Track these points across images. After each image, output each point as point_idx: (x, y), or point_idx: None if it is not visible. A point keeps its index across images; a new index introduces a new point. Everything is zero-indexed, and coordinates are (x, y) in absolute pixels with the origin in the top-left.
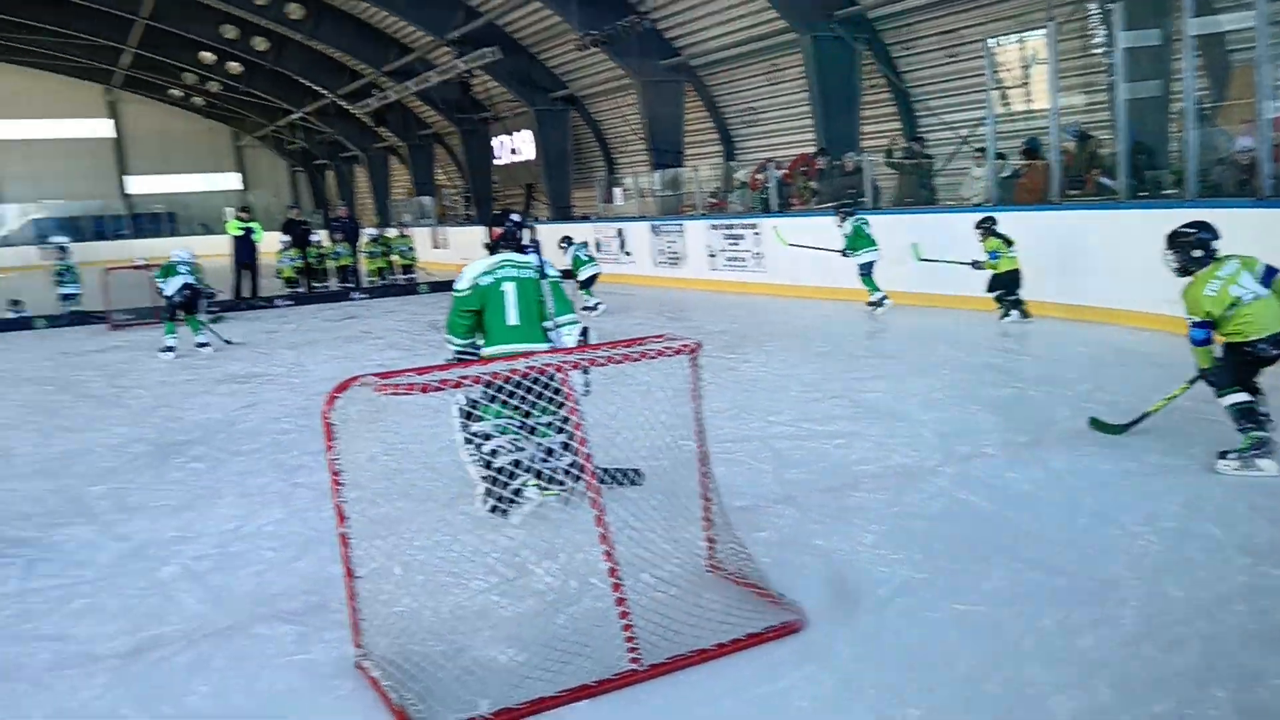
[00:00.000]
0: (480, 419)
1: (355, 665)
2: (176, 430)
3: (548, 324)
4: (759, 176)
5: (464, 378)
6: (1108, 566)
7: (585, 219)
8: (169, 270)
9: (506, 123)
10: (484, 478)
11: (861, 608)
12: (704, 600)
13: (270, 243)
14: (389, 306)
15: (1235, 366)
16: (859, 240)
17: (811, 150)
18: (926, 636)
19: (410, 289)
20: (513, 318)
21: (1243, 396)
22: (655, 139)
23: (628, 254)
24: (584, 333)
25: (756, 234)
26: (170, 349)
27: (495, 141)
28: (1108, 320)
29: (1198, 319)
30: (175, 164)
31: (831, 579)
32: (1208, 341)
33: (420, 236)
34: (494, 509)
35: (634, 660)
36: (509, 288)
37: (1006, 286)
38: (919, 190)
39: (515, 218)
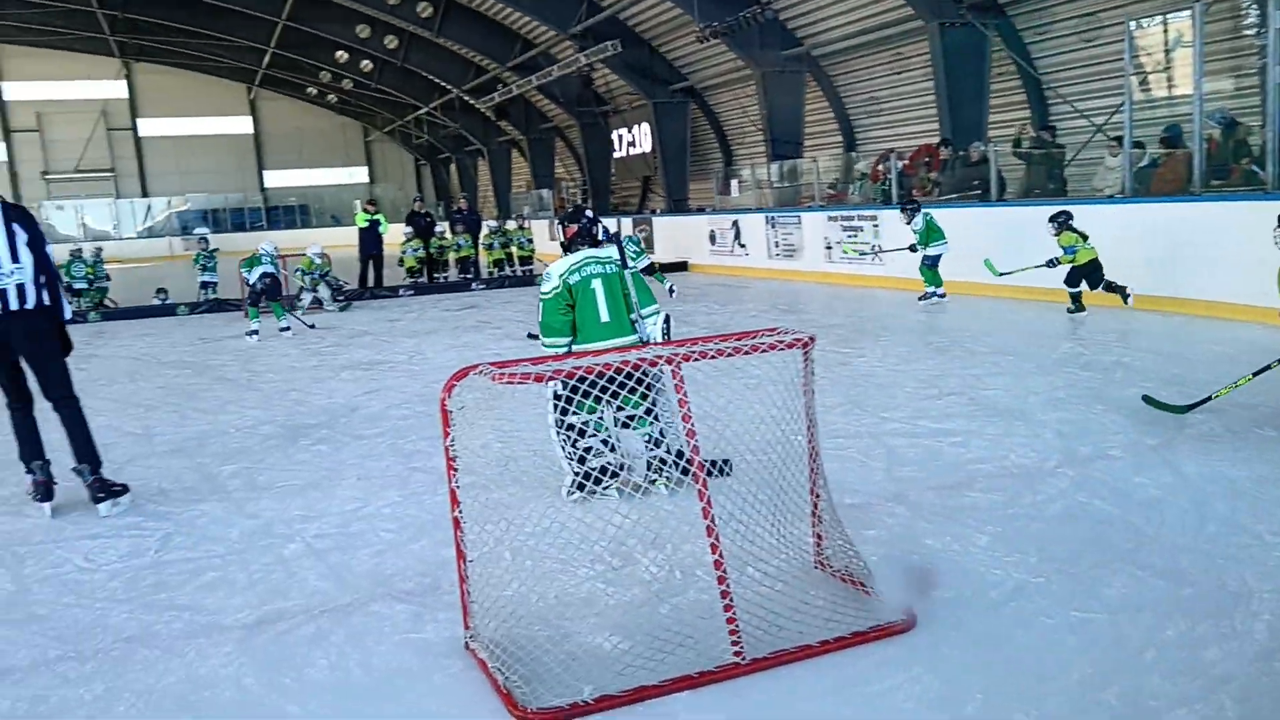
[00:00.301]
0: (575, 413)
1: (465, 646)
2: (303, 414)
3: (634, 316)
4: (880, 168)
5: (576, 368)
6: (1238, 577)
7: (701, 211)
8: (253, 261)
9: (625, 116)
10: (574, 470)
11: (972, 610)
12: (809, 596)
13: (394, 234)
14: (506, 297)
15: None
16: (931, 234)
17: (935, 141)
18: (1040, 643)
19: (528, 280)
20: (604, 314)
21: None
22: (774, 130)
23: (743, 246)
24: (666, 320)
25: (875, 226)
26: (254, 333)
27: (614, 135)
28: (1248, 318)
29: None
30: (309, 158)
31: (942, 579)
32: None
33: (539, 229)
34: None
35: (737, 653)
36: (597, 284)
37: (1087, 278)
38: (1048, 181)
39: (589, 213)
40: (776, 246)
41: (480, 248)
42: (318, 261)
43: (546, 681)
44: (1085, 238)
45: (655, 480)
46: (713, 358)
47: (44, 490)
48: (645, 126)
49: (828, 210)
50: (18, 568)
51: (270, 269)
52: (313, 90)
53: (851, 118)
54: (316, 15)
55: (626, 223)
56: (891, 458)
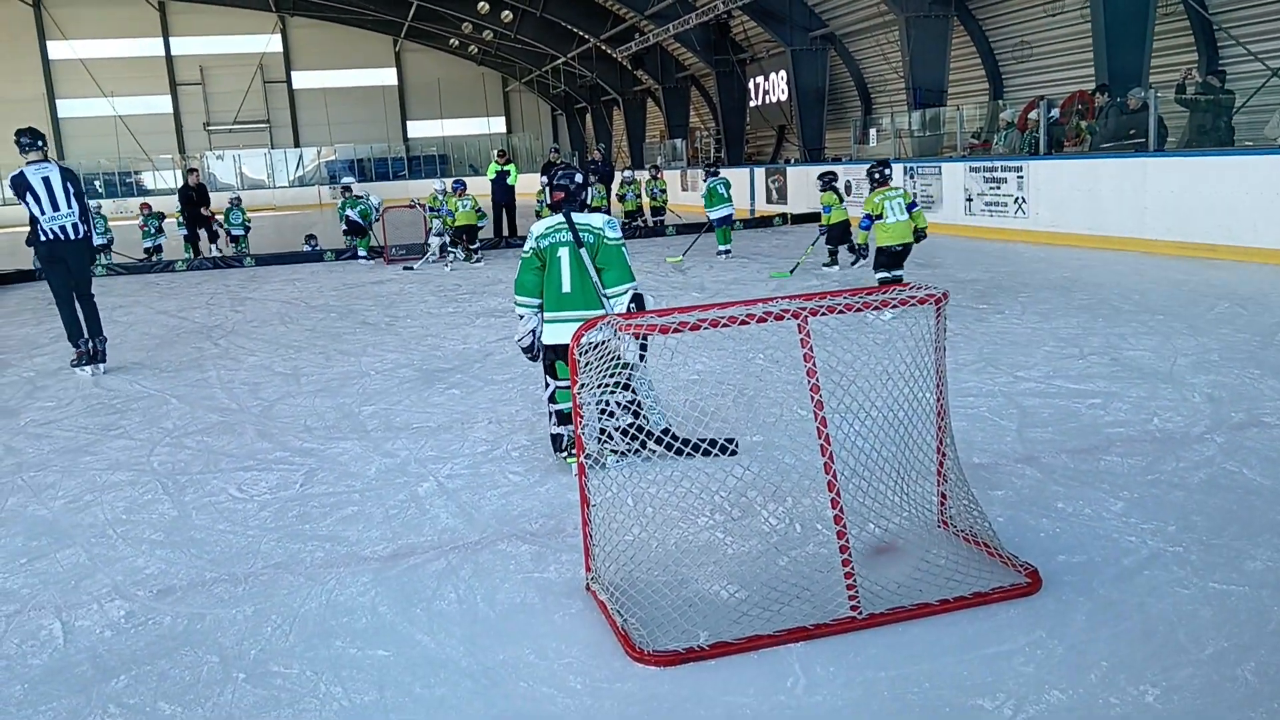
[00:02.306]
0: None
1: (586, 587)
2: (439, 358)
3: (603, 292)
4: (1029, 117)
5: (701, 320)
6: None
7: (837, 160)
8: (353, 203)
9: (762, 63)
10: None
11: (1102, 577)
12: (931, 555)
13: (531, 183)
14: (636, 248)
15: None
16: (713, 198)
17: (1090, 87)
18: (1173, 614)
19: (658, 230)
20: (566, 284)
21: (884, 274)
22: (916, 77)
23: None
24: (637, 300)
25: (1020, 177)
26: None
27: (750, 83)
28: None
29: (866, 212)
30: (449, 109)
31: (1072, 544)
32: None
33: (671, 179)
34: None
35: (854, 608)
36: (563, 253)
37: (840, 238)
38: (1213, 131)
39: (578, 177)
40: (914, 198)
41: (613, 198)
42: (440, 196)
43: (663, 626)
44: (841, 199)
45: (604, 449)
46: (841, 313)
47: (85, 358)
48: (782, 74)
49: (969, 161)
50: (179, 495)
51: (351, 214)
52: (454, 42)
53: (1000, 63)
54: None
55: (760, 172)
56: (1024, 418)
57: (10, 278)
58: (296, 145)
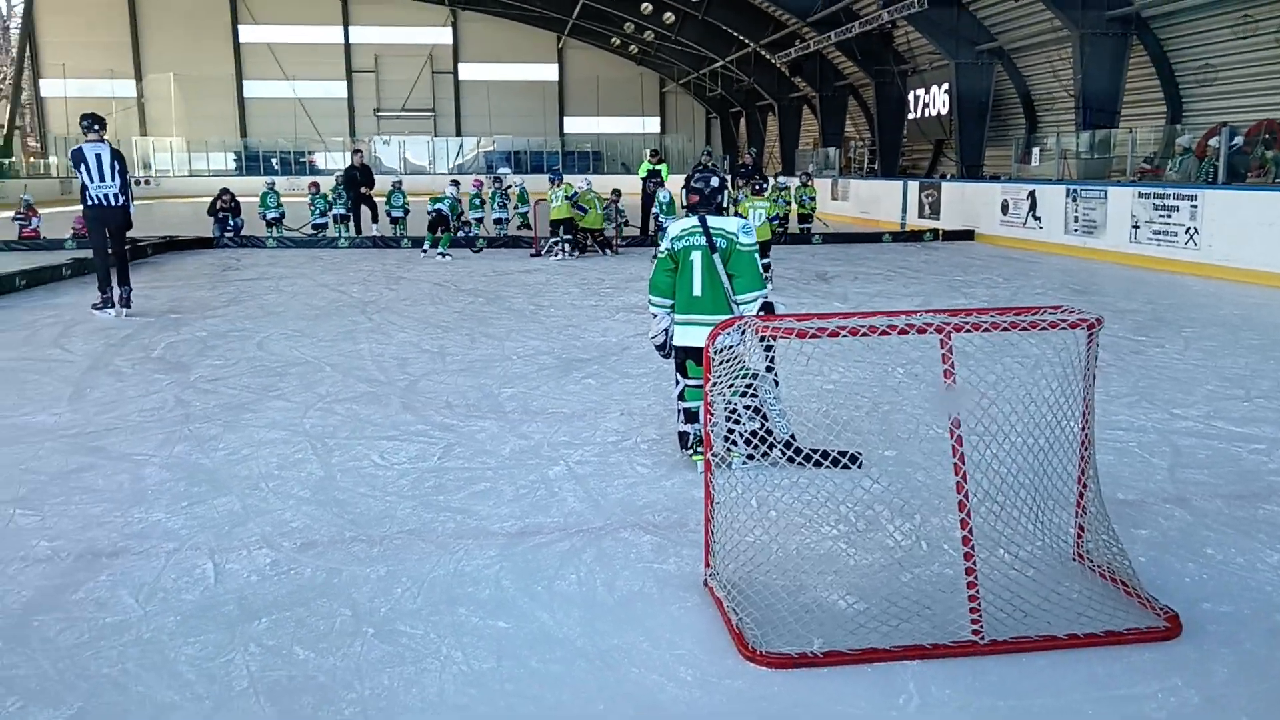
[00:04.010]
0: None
1: (704, 583)
2: (578, 349)
3: (734, 298)
4: (1209, 144)
5: (840, 328)
6: None
7: (995, 179)
8: (436, 199)
9: (924, 75)
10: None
11: (1250, 630)
12: (1063, 588)
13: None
14: (781, 255)
15: None
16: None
17: (1279, 115)
18: None
19: (805, 239)
20: (697, 288)
21: None
22: (1087, 96)
23: (1037, 219)
24: (767, 308)
25: (1194, 206)
26: (428, 251)
27: (910, 94)
28: None
29: None
30: (606, 107)
31: (1219, 592)
32: None
33: (822, 187)
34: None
35: (976, 632)
36: (696, 257)
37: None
38: None
39: (713, 180)
40: (1075, 221)
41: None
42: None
43: (778, 628)
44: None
45: (731, 451)
46: (986, 330)
47: (110, 303)
48: (944, 87)
49: (1139, 186)
50: (327, 457)
51: (441, 206)
52: (616, 41)
53: (1180, 85)
54: None
55: (913, 186)
56: (1178, 457)
57: (190, 244)
58: (458, 134)
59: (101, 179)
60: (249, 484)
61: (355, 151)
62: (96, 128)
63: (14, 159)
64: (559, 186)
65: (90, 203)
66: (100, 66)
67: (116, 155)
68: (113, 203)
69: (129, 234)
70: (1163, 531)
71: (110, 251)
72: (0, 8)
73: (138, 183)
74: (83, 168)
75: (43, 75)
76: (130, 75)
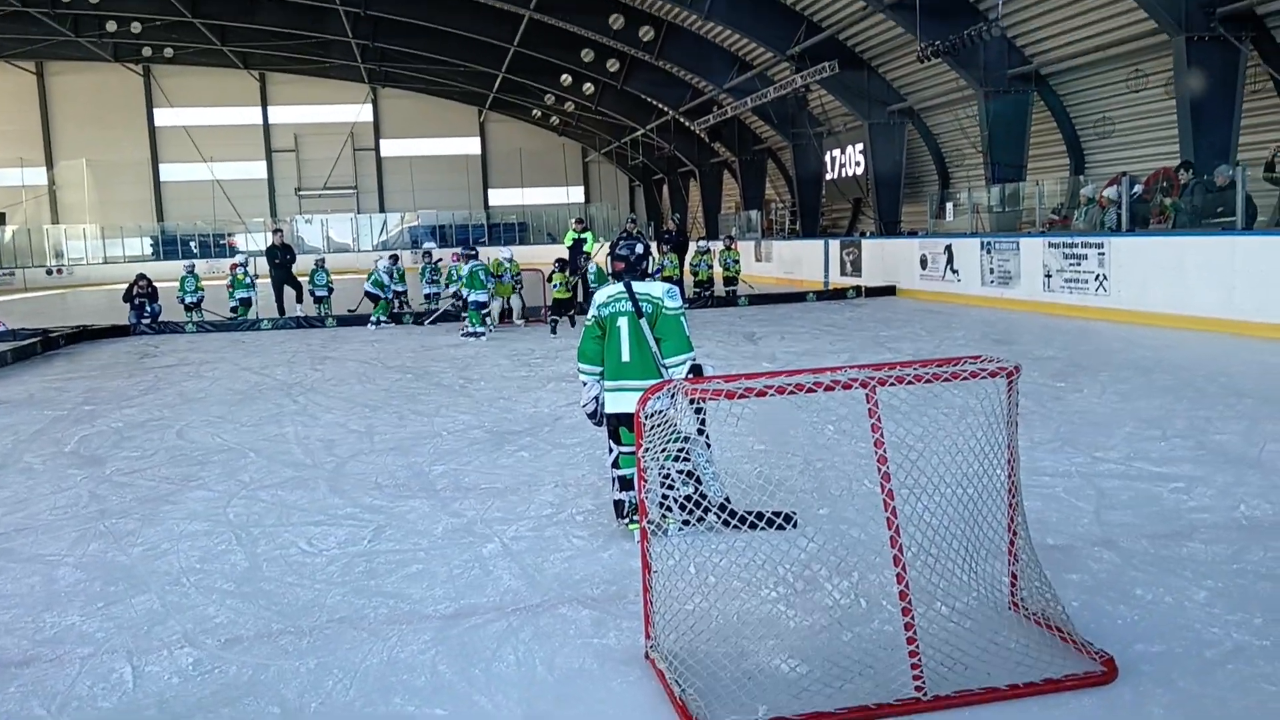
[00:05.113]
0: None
1: (645, 655)
2: (509, 421)
3: (661, 362)
4: (1105, 193)
5: (768, 387)
6: None
7: (913, 235)
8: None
9: (839, 137)
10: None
11: (1183, 669)
12: (1000, 638)
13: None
14: (708, 318)
15: None
16: (475, 281)
17: (1174, 164)
18: (1259, 710)
19: (731, 301)
20: (625, 354)
21: None
22: (995, 152)
23: (955, 272)
24: (695, 370)
25: (1101, 254)
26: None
27: (827, 156)
28: None
29: None
30: (530, 178)
31: (1150, 633)
32: None
33: (745, 250)
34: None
35: (918, 688)
36: (623, 323)
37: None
38: None
39: (638, 247)
40: (991, 273)
41: (686, 268)
42: (506, 264)
43: (722, 698)
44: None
45: (666, 518)
46: (910, 383)
47: None
48: (859, 147)
49: (1049, 236)
50: (252, 547)
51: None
52: (537, 113)
53: (1080, 138)
54: (544, 40)
55: (834, 245)
56: (1102, 500)
57: (104, 332)
58: (382, 210)
59: None
60: (169, 580)
61: (275, 231)
62: None
63: None
64: (468, 261)
65: None
66: (10, 155)
67: None
68: None
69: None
70: (1093, 574)
71: None
72: None
73: (49, 272)
74: None
75: None
76: (41, 163)
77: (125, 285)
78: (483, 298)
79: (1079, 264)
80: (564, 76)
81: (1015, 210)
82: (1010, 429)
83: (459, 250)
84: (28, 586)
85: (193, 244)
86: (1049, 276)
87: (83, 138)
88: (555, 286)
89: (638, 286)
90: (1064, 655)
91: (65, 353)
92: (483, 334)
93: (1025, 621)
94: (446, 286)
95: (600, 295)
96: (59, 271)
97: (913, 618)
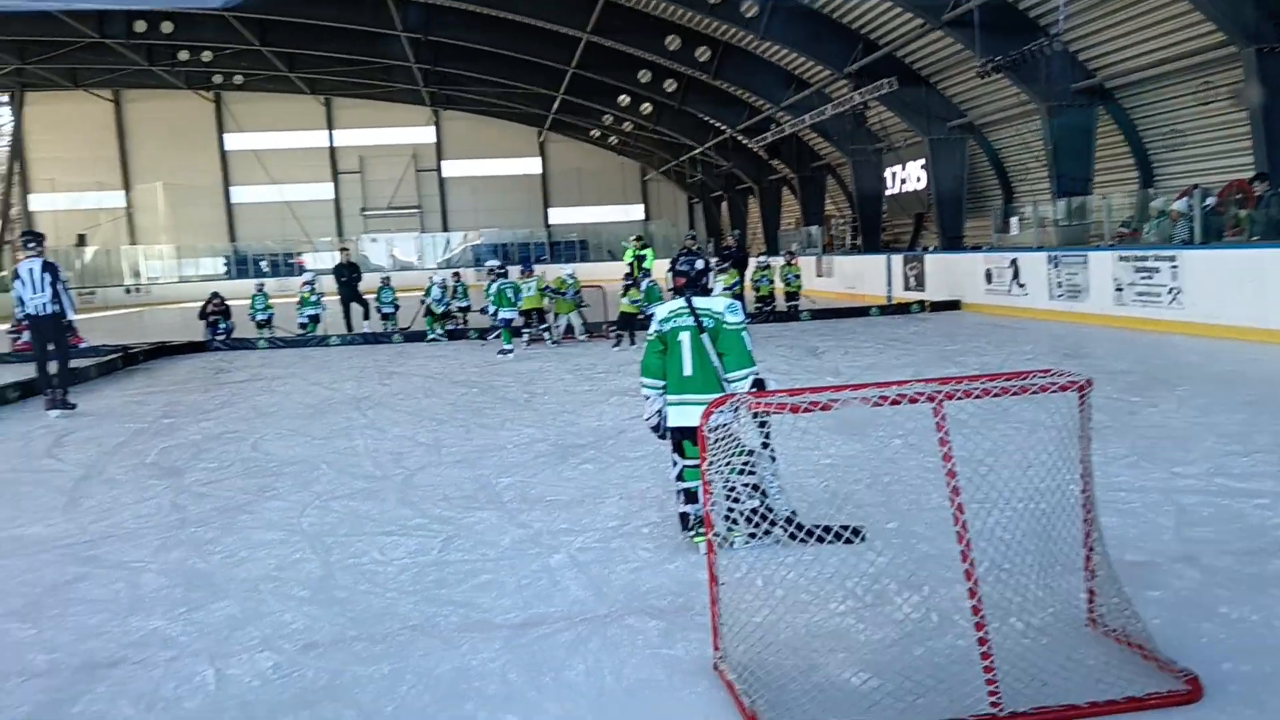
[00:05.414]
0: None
1: (713, 666)
2: (574, 434)
3: (723, 376)
4: (1175, 206)
5: (833, 401)
6: None
7: (976, 249)
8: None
9: (899, 153)
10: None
11: (1272, 688)
12: (1078, 654)
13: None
14: (770, 332)
15: None
16: (502, 299)
17: (1248, 175)
18: None
19: (793, 316)
20: (687, 368)
21: None
22: (1060, 165)
23: (1021, 286)
24: (758, 385)
25: (1174, 267)
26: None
27: (887, 171)
28: None
29: None
30: (589, 196)
31: (1237, 651)
32: None
33: (806, 265)
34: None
35: (994, 704)
36: (684, 338)
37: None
38: None
39: (698, 263)
40: (1059, 287)
41: (748, 283)
42: (568, 281)
43: (791, 710)
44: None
45: (732, 531)
46: (978, 397)
47: (51, 403)
48: (920, 163)
49: (1119, 249)
50: (326, 556)
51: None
52: (595, 132)
53: (1149, 151)
54: (602, 62)
55: (897, 259)
56: (1182, 516)
57: (181, 348)
58: (445, 230)
59: (35, 291)
60: (247, 586)
61: (342, 249)
62: (32, 244)
63: (4, 272)
64: (530, 277)
65: (25, 314)
66: (89, 180)
67: (48, 267)
68: (43, 312)
69: (76, 341)
70: (1174, 591)
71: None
72: None
73: (126, 291)
74: (17, 283)
75: (31, 190)
76: (119, 186)
77: (200, 303)
78: (509, 315)
79: (1151, 277)
80: (622, 97)
81: (1082, 224)
82: (1084, 444)
83: (490, 266)
84: (114, 592)
85: (263, 263)
86: (1120, 290)
87: (158, 162)
88: (625, 301)
89: (698, 302)
90: (1145, 673)
91: (145, 368)
92: (510, 351)
93: (1103, 638)
94: (451, 301)
95: (662, 310)
96: (136, 290)
97: (986, 633)
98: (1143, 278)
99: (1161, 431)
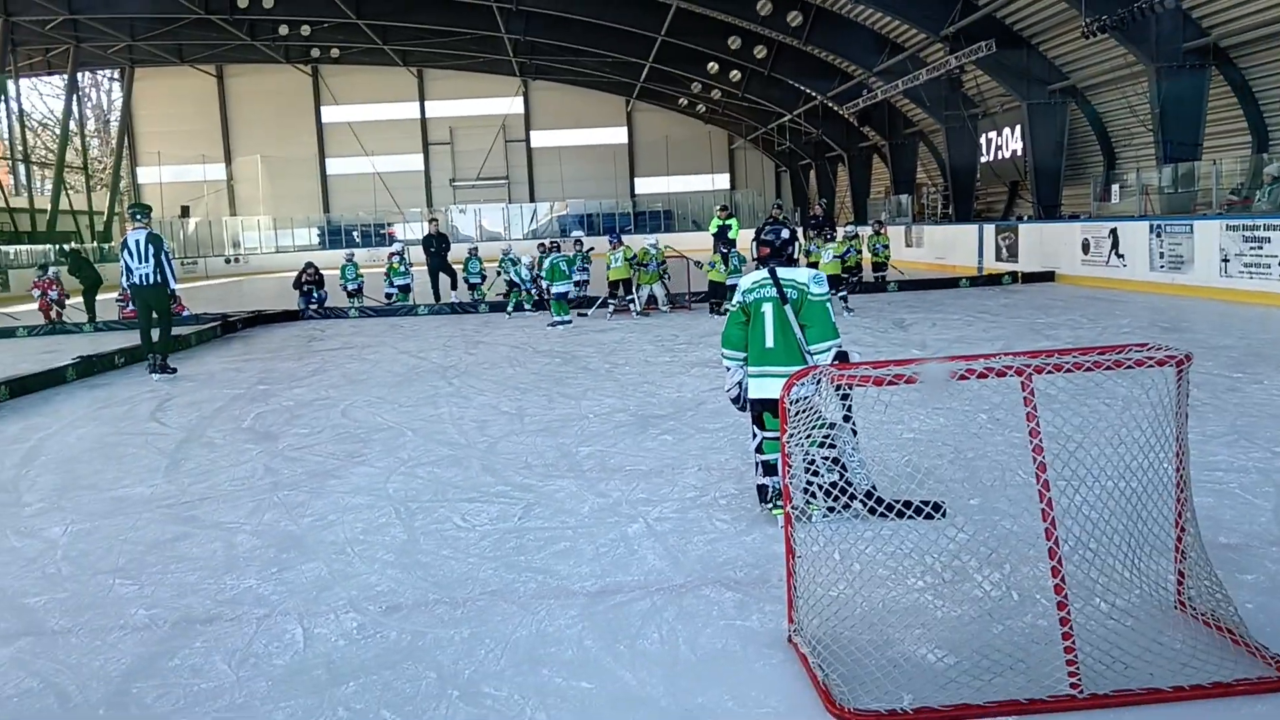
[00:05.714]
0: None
1: (788, 639)
2: (653, 405)
3: (806, 349)
4: None
5: (917, 374)
6: None
7: (1074, 218)
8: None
9: (995, 118)
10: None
11: None
12: (1165, 638)
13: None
14: (856, 303)
15: None
16: (556, 273)
17: None
18: None
19: (880, 286)
20: (769, 340)
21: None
22: (1167, 130)
23: (1120, 256)
24: (841, 357)
25: None
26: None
27: (981, 138)
28: None
29: None
30: (675, 166)
31: None
32: None
33: (895, 235)
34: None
35: (1074, 685)
36: (767, 309)
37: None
38: None
39: (784, 233)
40: (1161, 258)
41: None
42: (653, 251)
43: (866, 685)
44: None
45: (810, 504)
46: (1069, 371)
47: (151, 368)
48: (1017, 128)
49: (1227, 218)
50: (410, 521)
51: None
52: (683, 101)
53: (1265, 114)
54: (691, 29)
55: (989, 229)
56: None
57: (277, 317)
58: (532, 200)
59: (140, 261)
60: (335, 549)
61: (431, 220)
62: (140, 216)
63: (114, 243)
64: (618, 249)
65: (130, 283)
66: (193, 152)
67: (152, 239)
68: (147, 281)
69: (173, 308)
70: (1270, 576)
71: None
72: (101, 103)
73: (227, 261)
74: (125, 253)
75: (139, 163)
76: (221, 159)
77: (294, 273)
78: (564, 288)
79: (1261, 247)
80: (711, 64)
81: (1190, 191)
82: (1180, 421)
83: (544, 241)
84: (210, 551)
85: (355, 233)
86: (1226, 261)
87: (258, 135)
88: (712, 266)
89: (782, 272)
90: (1235, 659)
91: (242, 335)
92: (568, 321)
93: (1192, 622)
94: (498, 275)
95: (745, 281)
96: (236, 260)
97: (1069, 613)
98: (1251, 248)
99: (1264, 410)
